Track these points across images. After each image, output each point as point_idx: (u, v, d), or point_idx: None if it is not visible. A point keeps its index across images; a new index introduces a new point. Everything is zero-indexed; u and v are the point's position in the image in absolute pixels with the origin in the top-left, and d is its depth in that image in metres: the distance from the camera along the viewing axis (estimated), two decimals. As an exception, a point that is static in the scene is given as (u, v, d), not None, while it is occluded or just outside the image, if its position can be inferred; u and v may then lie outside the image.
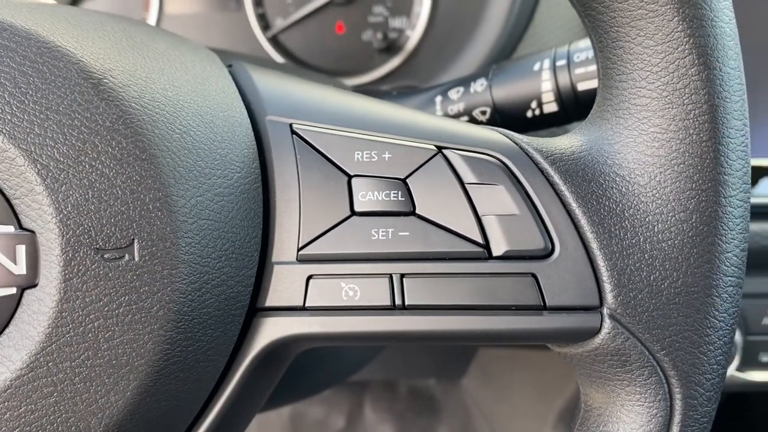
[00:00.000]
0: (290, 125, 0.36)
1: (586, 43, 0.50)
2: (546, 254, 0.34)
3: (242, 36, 0.82)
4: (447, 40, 0.78)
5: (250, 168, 0.35)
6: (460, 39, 0.77)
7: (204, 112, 0.34)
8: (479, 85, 0.53)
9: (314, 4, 0.81)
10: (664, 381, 0.33)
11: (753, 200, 0.65)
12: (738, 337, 0.67)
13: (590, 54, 0.49)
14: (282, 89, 0.38)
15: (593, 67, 0.48)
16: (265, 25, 0.81)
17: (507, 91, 0.51)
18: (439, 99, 0.55)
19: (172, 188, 0.31)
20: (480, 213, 0.34)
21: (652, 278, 0.33)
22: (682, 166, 0.32)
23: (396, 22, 0.81)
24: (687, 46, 0.31)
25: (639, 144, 0.33)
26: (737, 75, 0.32)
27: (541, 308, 0.34)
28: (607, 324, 0.33)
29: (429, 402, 1.29)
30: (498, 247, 0.34)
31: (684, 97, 0.32)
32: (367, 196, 0.35)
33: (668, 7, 0.31)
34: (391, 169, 0.35)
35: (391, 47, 0.81)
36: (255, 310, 0.35)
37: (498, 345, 0.98)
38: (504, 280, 0.34)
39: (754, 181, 0.66)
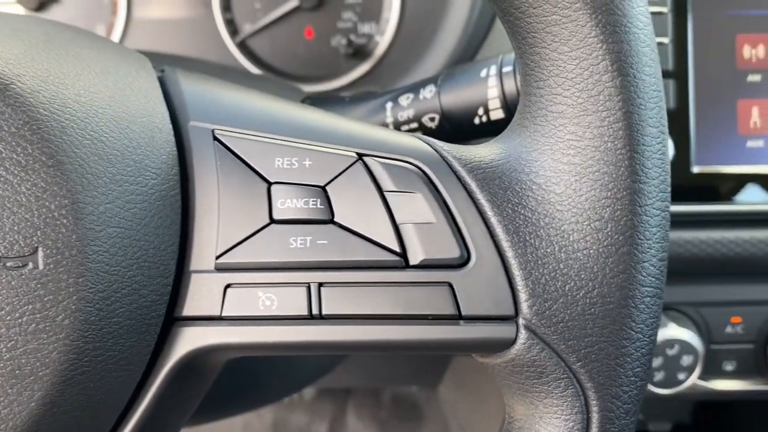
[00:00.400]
0: (212, 131, 0.36)
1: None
2: (462, 263, 0.33)
3: (210, 41, 0.81)
4: (415, 45, 0.78)
5: (168, 174, 0.34)
6: (427, 44, 0.77)
7: (120, 118, 0.34)
8: (428, 92, 0.52)
9: (282, 10, 0.80)
10: (580, 393, 0.33)
11: (730, 207, 0.65)
12: (699, 345, 0.66)
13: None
14: (207, 95, 0.37)
15: None
16: (233, 30, 0.81)
17: (455, 97, 0.51)
18: (390, 105, 0.54)
19: (80, 195, 0.31)
20: (398, 221, 0.34)
21: (567, 288, 0.32)
22: (597, 174, 0.32)
23: (365, 28, 0.81)
24: (600, 52, 0.31)
25: (555, 152, 0.32)
26: (653, 81, 0.32)
27: (457, 318, 0.33)
28: (523, 334, 0.33)
29: (412, 409, 1.28)
30: (415, 256, 0.33)
31: (598, 104, 0.31)
32: (285, 204, 0.34)
33: (581, 12, 0.31)
34: (311, 176, 0.34)
35: (360, 53, 0.80)
36: (173, 319, 0.34)
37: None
38: (420, 290, 0.33)
39: (739, 188, 0.65)
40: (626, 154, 0.31)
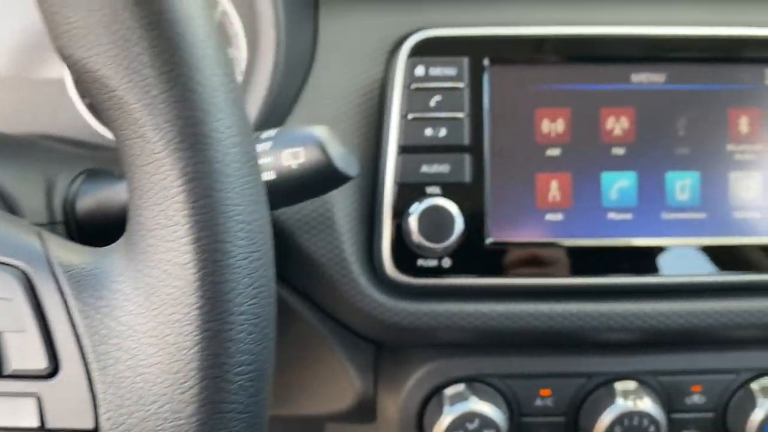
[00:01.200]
0: None
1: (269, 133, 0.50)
2: (50, 374, 0.33)
3: (61, 101, 0.82)
4: (278, 106, 0.78)
5: None
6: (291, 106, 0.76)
7: None
8: None
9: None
10: None
11: (525, 281, 0.64)
12: (501, 419, 0.65)
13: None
14: None
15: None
16: (83, 92, 0.81)
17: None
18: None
19: None
20: None
21: (142, 401, 0.32)
22: (168, 288, 0.32)
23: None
24: (166, 167, 0.31)
25: (138, 263, 0.32)
26: (228, 196, 0.32)
27: (41, 431, 0.33)
28: None
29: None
30: (7, 366, 0.33)
31: (168, 219, 0.31)
32: None
33: (147, 128, 0.31)
34: None
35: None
36: None
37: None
38: (9, 401, 0.33)
39: (537, 261, 0.65)
40: (192, 269, 0.31)
